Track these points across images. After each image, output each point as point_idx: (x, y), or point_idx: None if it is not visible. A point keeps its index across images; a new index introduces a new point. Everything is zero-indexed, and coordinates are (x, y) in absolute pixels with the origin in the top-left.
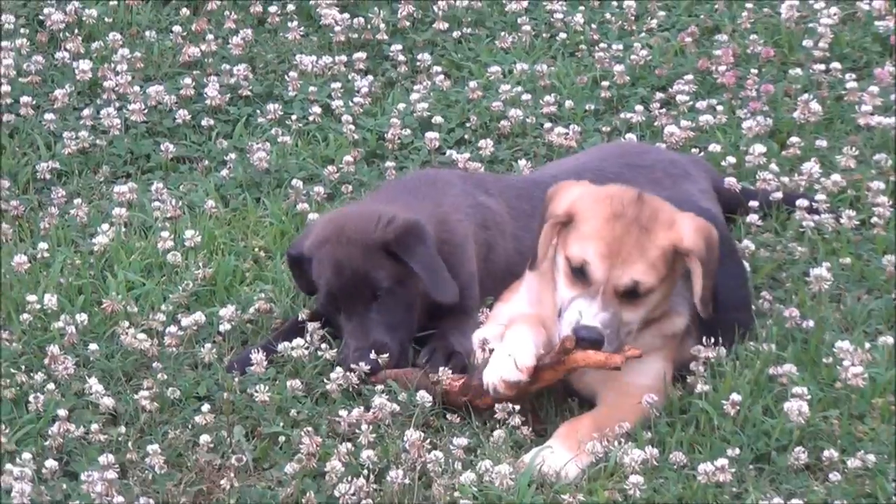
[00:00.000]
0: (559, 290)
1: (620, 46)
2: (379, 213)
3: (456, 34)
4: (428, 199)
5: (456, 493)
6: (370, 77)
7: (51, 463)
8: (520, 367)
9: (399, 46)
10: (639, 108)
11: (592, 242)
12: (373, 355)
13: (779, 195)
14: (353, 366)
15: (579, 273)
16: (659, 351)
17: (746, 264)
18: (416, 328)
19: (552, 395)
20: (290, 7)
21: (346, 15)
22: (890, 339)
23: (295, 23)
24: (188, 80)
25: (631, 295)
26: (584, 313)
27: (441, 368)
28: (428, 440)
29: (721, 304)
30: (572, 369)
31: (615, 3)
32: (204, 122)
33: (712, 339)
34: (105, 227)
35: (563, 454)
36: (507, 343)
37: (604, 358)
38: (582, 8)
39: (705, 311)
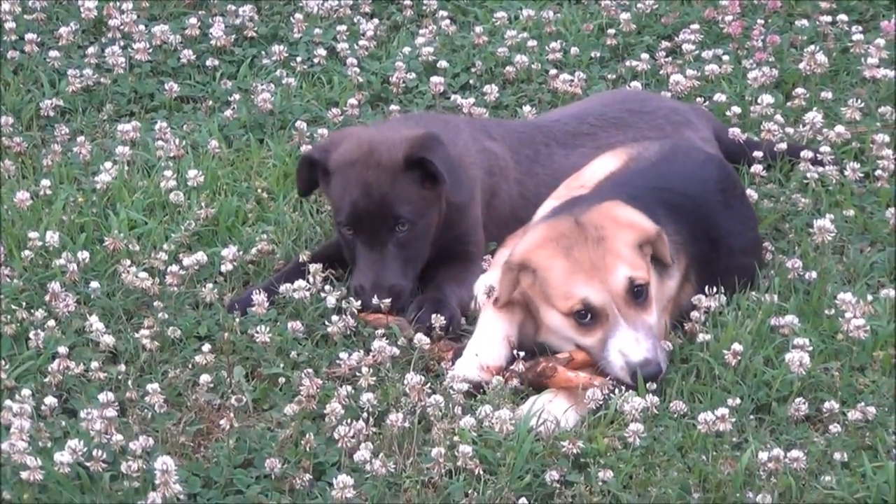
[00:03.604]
0: (578, 341)
1: None
2: (405, 136)
3: None
4: (445, 138)
5: (455, 438)
6: (376, 20)
7: (50, 400)
8: (484, 366)
9: None
10: (644, 56)
11: (572, 282)
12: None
13: (783, 146)
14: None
15: (583, 316)
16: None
17: None
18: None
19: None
20: None
21: None
22: (892, 292)
23: None
24: (193, 21)
25: (636, 297)
26: (628, 350)
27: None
28: (428, 384)
29: (727, 247)
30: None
31: None
32: (208, 63)
33: (713, 288)
34: (108, 165)
35: (562, 402)
36: (477, 337)
37: (586, 381)
38: None
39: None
